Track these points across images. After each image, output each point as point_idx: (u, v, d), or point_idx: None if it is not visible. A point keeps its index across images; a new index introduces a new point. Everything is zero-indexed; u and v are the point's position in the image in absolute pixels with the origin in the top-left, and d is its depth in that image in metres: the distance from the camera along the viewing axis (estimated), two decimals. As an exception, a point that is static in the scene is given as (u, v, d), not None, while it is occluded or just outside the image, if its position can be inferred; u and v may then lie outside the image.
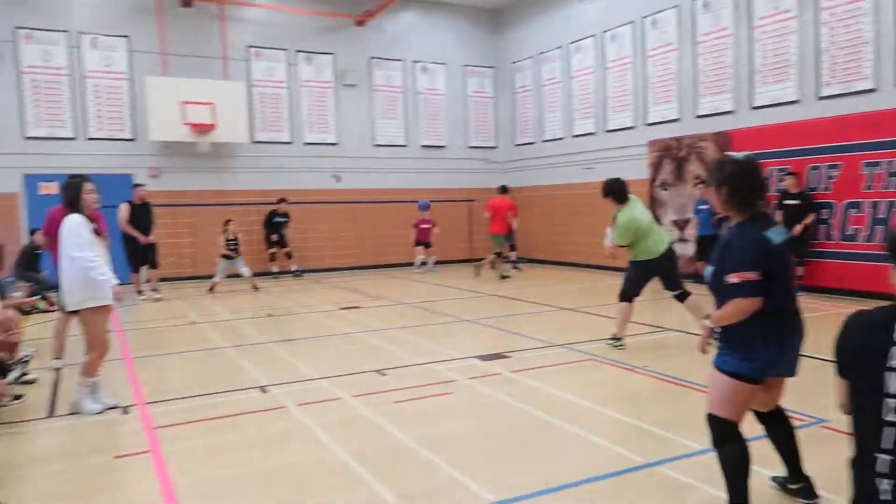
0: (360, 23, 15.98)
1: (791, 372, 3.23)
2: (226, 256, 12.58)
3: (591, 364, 6.28)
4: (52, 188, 12.99)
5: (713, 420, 3.17)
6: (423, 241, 15.43)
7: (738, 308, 2.94)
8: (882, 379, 2.16)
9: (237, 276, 12.86)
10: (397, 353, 6.86)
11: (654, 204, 13.30)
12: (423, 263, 15.42)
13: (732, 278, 2.91)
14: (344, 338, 7.90)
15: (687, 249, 12.60)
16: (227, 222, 12.82)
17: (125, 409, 5.14)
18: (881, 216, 9.53)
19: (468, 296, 11.45)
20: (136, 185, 12.20)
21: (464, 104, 17.54)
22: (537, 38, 16.49)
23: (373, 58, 16.29)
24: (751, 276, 2.87)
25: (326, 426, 4.60)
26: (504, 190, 14.54)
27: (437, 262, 16.03)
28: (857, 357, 2.32)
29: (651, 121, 13.44)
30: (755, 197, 3.04)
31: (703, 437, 4.16)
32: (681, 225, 12.78)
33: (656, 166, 13.24)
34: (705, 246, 11.87)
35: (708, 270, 3.14)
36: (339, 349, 7.32)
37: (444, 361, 6.44)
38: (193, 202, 14.47)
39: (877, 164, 9.59)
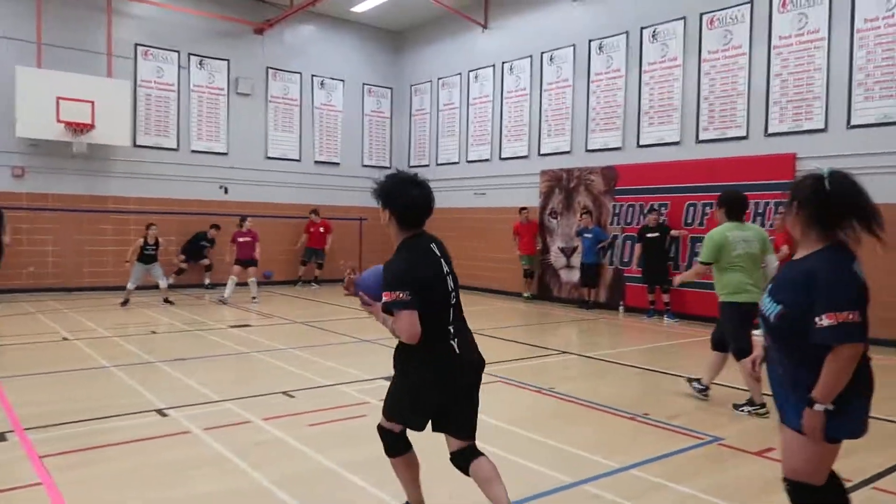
0: (258, 31, 15.55)
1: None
2: (142, 260, 11.56)
3: (498, 386, 6.38)
4: None
5: (807, 490, 2.58)
6: (244, 258, 12.75)
7: (846, 360, 2.36)
8: None
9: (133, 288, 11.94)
10: (302, 374, 6.64)
11: (543, 231, 13.83)
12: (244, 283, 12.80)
13: (828, 320, 2.34)
14: (242, 357, 7.54)
15: (572, 276, 13.19)
16: (148, 226, 11.78)
17: (0, 437, 4.60)
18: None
19: (363, 315, 11.27)
20: None
21: (360, 122, 17.45)
22: (438, 62, 16.78)
23: (270, 68, 15.87)
24: (853, 316, 2.33)
25: (240, 452, 4.36)
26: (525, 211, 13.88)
27: (326, 282, 15.77)
28: None
29: (544, 151, 14.01)
30: (840, 218, 2.49)
31: (617, 456, 4.38)
32: (567, 252, 13.37)
33: (547, 195, 13.80)
34: (589, 273, 12.53)
35: (772, 309, 2.54)
36: (240, 369, 6.98)
37: (353, 383, 6.31)
38: (61, 206, 13.31)
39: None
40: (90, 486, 3.80)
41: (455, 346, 3.22)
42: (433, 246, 3.28)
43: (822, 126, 9.87)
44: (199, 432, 4.75)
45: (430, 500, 3.47)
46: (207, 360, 7.42)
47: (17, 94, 12.32)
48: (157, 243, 11.75)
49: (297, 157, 16.37)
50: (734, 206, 5.66)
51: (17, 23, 12.75)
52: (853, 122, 9.55)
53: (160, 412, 5.23)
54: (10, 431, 4.70)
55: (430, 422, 3.31)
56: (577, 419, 5.38)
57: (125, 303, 11.48)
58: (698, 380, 6.01)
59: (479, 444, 4.57)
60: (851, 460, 4.40)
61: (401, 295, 2.97)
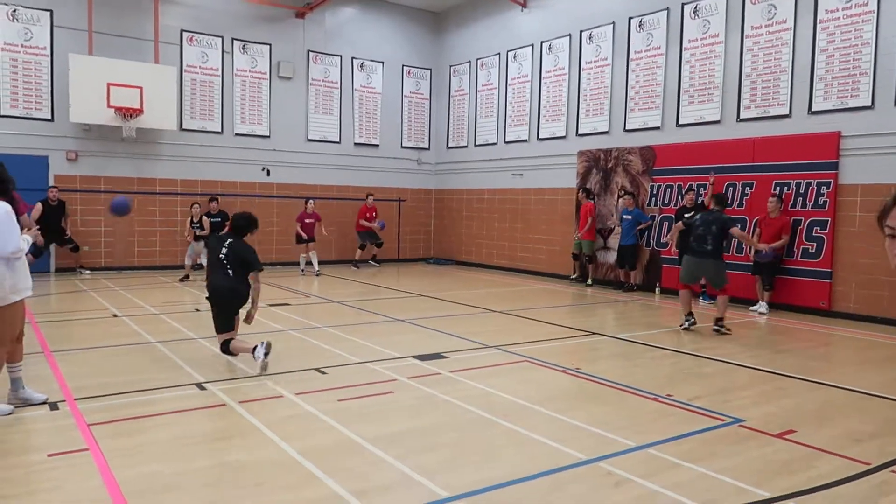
0: (300, 15, 15.77)
1: None
2: (197, 238, 12.47)
3: (526, 365, 6.49)
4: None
5: None
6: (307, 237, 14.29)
7: None
8: None
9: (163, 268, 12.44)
10: (335, 352, 6.87)
11: (580, 212, 13.76)
12: (308, 263, 14.51)
13: None
14: (278, 335, 7.82)
15: (609, 258, 13.13)
16: (192, 205, 12.88)
17: (53, 406, 4.94)
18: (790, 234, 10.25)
19: (399, 296, 11.53)
20: (51, 187, 12.62)
21: (399, 104, 17.58)
22: (476, 43, 16.74)
23: (311, 51, 16.10)
24: None
25: (272, 423, 4.59)
26: (588, 194, 13.40)
27: (368, 261, 16.09)
28: None
29: (582, 132, 13.91)
30: None
31: (636, 435, 4.46)
32: (604, 234, 13.30)
33: (584, 176, 13.72)
34: (626, 255, 12.45)
35: None
36: (275, 346, 7.23)
37: (383, 361, 6.51)
38: (112, 189, 13.86)
39: (787, 184, 10.32)
40: (132, 452, 4.08)
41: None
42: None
43: (868, 103, 9.57)
44: (234, 405, 5.00)
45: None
46: (246, 336, 7.70)
47: (70, 80, 12.84)
48: (200, 221, 12.50)
49: (338, 140, 16.62)
50: None
51: (70, 12, 13.24)
52: (902, 99, 9.23)
53: (199, 386, 5.52)
54: (63, 401, 5.03)
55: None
56: (599, 399, 5.46)
57: (186, 278, 12.47)
58: None
59: (498, 419, 4.73)
60: (872, 444, 4.39)
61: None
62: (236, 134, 15.24)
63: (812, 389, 5.81)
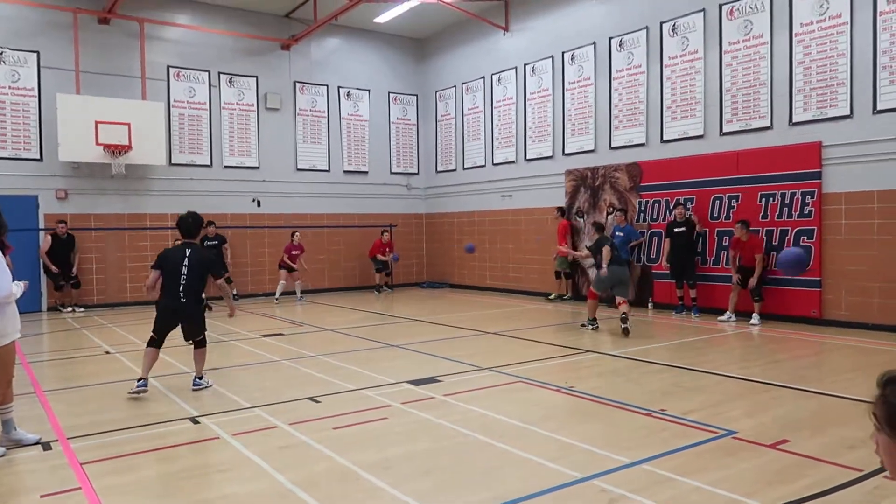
0: (285, 47, 15.96)
1: None
2: None
3: (519, 386, 6.50)
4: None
5: None
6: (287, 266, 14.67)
7: None
8: None
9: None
10: (328, 380, 6.86)
11: (571, 231, 13.86)
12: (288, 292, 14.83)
13: None
14: (272, 365, 7.81)
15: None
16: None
17: (46, 446, 4.91)
18: (775, 243, 10.34)
19: (394, 321, 11.53)
20: (59, 223, 12.96)
21: (387, 130, 17.74)
22: (461, 67, 16.96)
23: (297, 82, 16.27)
24: None
25: (266, 455, 4.58)
26: (563, 212, 13.87)
27: (360, 288, 16.10)
28: None
29: (568, 151, 14.06)
30: None
31: (629, 451, 4.47)
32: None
33: (573, 195, 13.83)
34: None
35: None
36: (269, 377, 7.24)
37: (377, 387, 6.50)
38: (102, 226, 13.89)
39: (772, 195, 10.43)
40: (125, 489, 4.06)
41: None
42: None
43: (847, 112, 9.73)
44: (228, 438, 4.99)
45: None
46: (240, 368, 7.71)
47: (58, 120, 12.92)
48: None
49: (327, 168, 16.72)
50: None
51: (56, 53, 13.38)
52: (879, 107, 9.39)
53: (193, 420, 5.50)
54: (55, 440, 5.01)
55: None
56: (592, 416, 5.47)
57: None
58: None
59: (493, 441, 4.75)
60: (865, 451, 4.41)
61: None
62: (225, 166, 15.32)
63: (805, 398, 5.83)
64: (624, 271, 9.85)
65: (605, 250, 9.70)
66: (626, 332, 9.25)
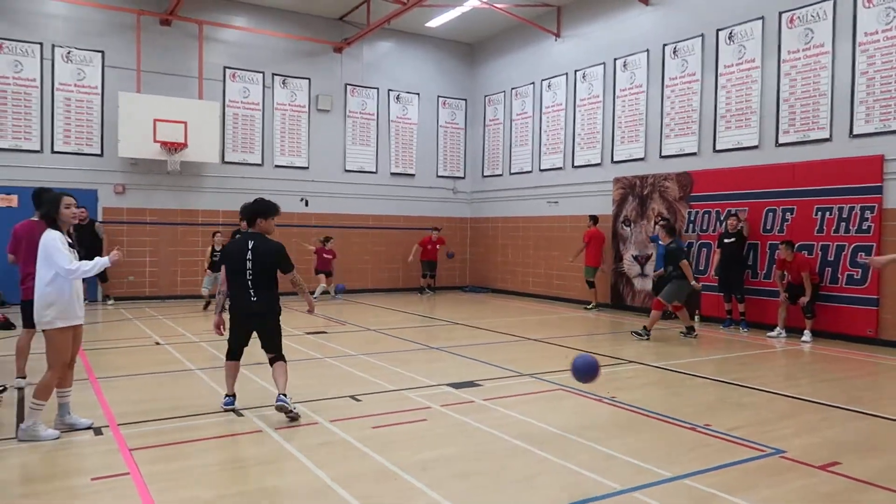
0: (337, 49, 16.20)
1: None
2: (212, 268, 12.48)
3: (560, 394, 6.44)
4: (12, 201, 12.81)
5: None
6: (323, 269, 14.76)
7: None
8: None
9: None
10: (369, 379, 6.92)
11: (617, 239, 13.68)
12: (325, 292, 14.86)
13: None
14: (314, 362, 7.92)
15: (646, 285, 12.97)
16: (214, 234, 12.87)
17: (97, 431, 5.08)
18: (830, 258, 10.01)
19: (435, 324, 11.56)
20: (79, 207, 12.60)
21: (435, 134, 17.82)
22: (510, 73, 16.93)
23: (348, 84, 16.49)
24: None
25: (306, 450, 4.64)
26: (595, 221, 13.78)
27: (404, 290, 16.17)
28: None
29: (617, 158, 13.88)
30: None
31: (671, 466, 4.38)
32: (641, 261, 13.17)
33: (620, 203, 13.65)
34: (661, 283, 12.25)
35: None
36: (311, 374, 7.33)
37: (417, 388, 6.53)
38: (157, 220, 14.32)
39: (829, 209, 10.11)
40: (171, 476, 4.17)
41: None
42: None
43: (912, 126, 9.36)
44: (270, 432, 5.08)
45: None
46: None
47: (119, 117, 13.38)
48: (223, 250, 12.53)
49: (374, 170, 16.89)
50: None
51: (120, 53, 13.86)
52: (947, 121, 9.01)
53: (237, 412, 5.61)
54: (106, 426, 5.18)
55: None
56: (635, 428, 5.38)
57: (207, 305, 12.48)
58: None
59: (532, 448, 4.72)
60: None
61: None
62: (276, 166, 15.62)
63: (857, 419, 5.63)
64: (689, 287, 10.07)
65: (684, 265, 9.81)
66: (695, 336, 10.05)
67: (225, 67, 15.02)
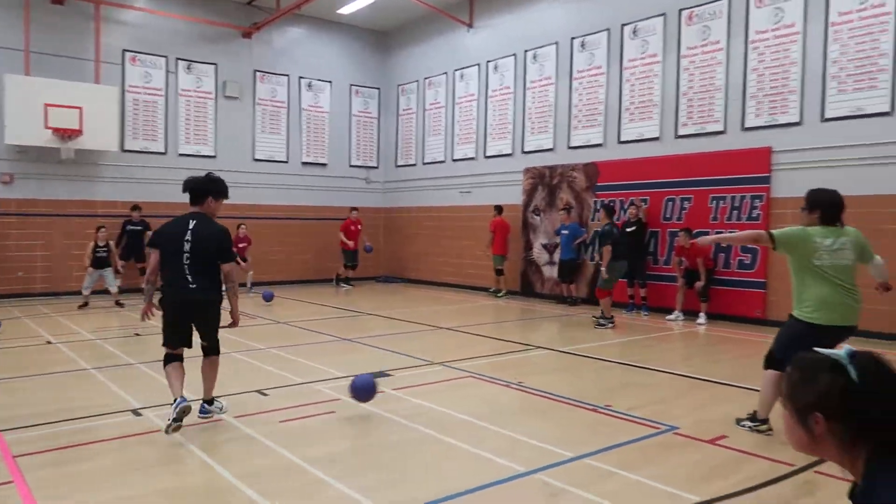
0: (246, 34, 15.69)
1: None
2: (94, 265, 11.80)
3: (470, 381, 6.53)
4: None
5: None
6: (239, 257, 14.05)
7: None
8: None
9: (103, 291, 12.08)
10: (278, 373, 6.79)
11: (527, 228, 13.98)
12: (242, 284, 14.13)
13: None
14: (221, 358, 7.67)
15: (554, 272, 13.33)
16: (98, 228, 12.11)
17: (-22, 436, 4.74)
18: (724, 245, 10.59)
19: (348, 315, 11.47)
20: None
21: (347, 123, 17.60)
22: (424, 62, 16.91)
23: (258, 71, 16.01)
24: None
25: (209, 449, 4.51)
26: (500, 210, 14.03)
27: (316, 281, 15.94)
28: None
29: (527, 149, 14.15)
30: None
31: (574, 446, 4.53)
32: (550, 249, 13.52)
33: (530, 193, 13.94)
34: (567, 269, 12.69)
35: None
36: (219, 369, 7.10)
37: (327, 381, 6.46)
38: (49, 212, 13.46)
39: (722, 198, 10.68)
40: (59, 483, 3.95)
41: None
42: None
43: (797, 119, 10.00)
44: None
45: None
46: (187, 360, 7.54)
47: (5, 101, 12.46)
48: (107, 246, 11.99)
49: (285, 159, 16.51)
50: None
51: (5, 32, 12.89)
52: (827, 115, 9.68)
53: (135, 412, 5.38)
54: (-12, 432, 4.84)
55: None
56: (540, 412, 5.53)
57: (83, 305, 11.72)
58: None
59: (441, 435, 4.77)
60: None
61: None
62: (181, 154, 15.00)
63: (745, 396, 5.98)
64: (625, 265, 10.43)
65: (605, 250, 10.01)
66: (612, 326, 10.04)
67: (124, 50, 14.25)
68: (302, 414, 5.33)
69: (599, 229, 10.47)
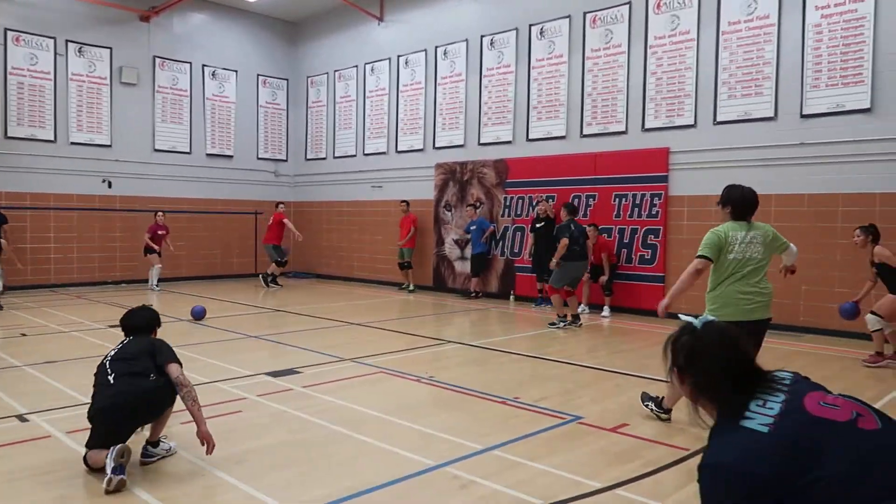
0: (144, 18, 14.91)
1: None
2: None
3: (381, 376, 6.50)
4: None
5: None
6: (157, 249, 13.65)
7: None
8: None
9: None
10: (181, 372, 6.50)
11: (438, 224, 14.07)
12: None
13: None
14: (119, 357, 7.28)
15: (466, 267, 13.49)
16: None
17: None
18: (626, 241, 11.05)
19: (256, 312, 11.16)
20: None
21: (255, 114, 17.09)
22: (334, 54, 16.66)
23: (157, 57, 15.26)
24: None
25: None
26: (407, 205, 14.22)
27: (222, 277, 15.41)
28: None
29: (439, 144, 14.22)
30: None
31: (483, 438, 4.60)
32: (461, 244, 13.66)
33: (442, 188, 14.03)
34: (477, 264, 12.89)
35: None
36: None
37: (233, 379, 6.26)
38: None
39: (625, 196, 11.13)
40: (-68, 497, 3.63)
41: None
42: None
43: (692, 122, 10.54)
44: (60, 436, 4.60)
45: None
46: (80, 361, 7.11)
47: None
48: None
49: (188, 150, 15.85)
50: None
51: None
52: (719, 119, 10.26)
53: (20, 417, 5.02)
54: None
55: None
56: (450, 406, 5.58)
57: None
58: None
59: (350, 432, 4.70)
60: (693, 432, 4.78)
61: None
62: (72, 143, 14.10)
63: (645, 385, 6.26)
64: (584, 266, 9.88)
65: (562, 243, 9.39)
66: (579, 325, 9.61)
67: (6, 29, 13.22)
68: (207, 415, 5.10)
69: (559, 226, 9.99)
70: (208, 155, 16.19)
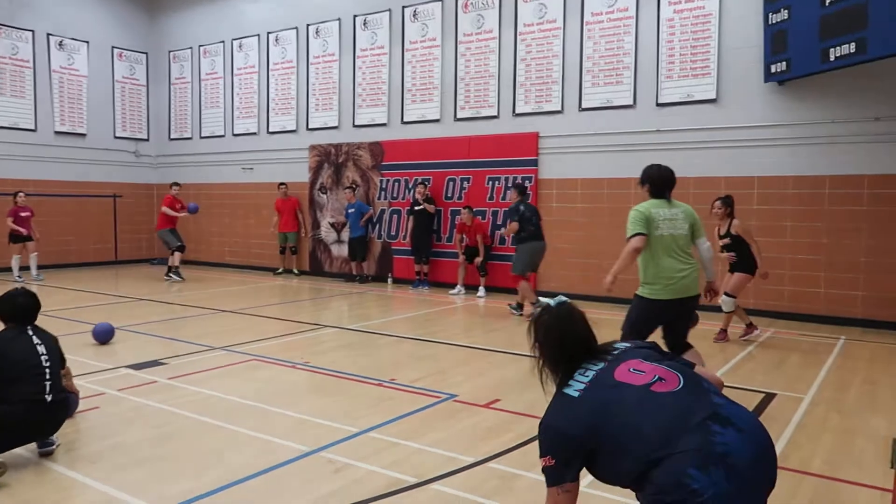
0: (-27, -21, 13.38)
1: None
2: None
3: (254, 364, 6.31)
4: None
5: None
6: (25, 235, 12.59)
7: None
8: None
9: None
10: (29, 369, 5.98)
11: (314, 206, 13.79)
12: (25, 268, 12.76)
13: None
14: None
15: (343, 251, 13.35)
16: None
17: None
18: (499, 223, 11.37)
19: (117, 301, 10.46)
20: None
21: (111, 90, 15.88)
22: (198, 29, 15.78)
23: (-9, 23, 13.77)
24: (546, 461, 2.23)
25: (-66, 461, 3.84)
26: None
27: (78, 265, 14.30)
28: None
29: (312, 126, 13.90)
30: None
31: (358, 421, 4.60)
32: (337, 227, 13.48)
33: (316, 170, 13.75)
34: (355, 247, 12.81)
35: None
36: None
37: (90, 374, 5.83)
38: None
39: (497, 178, 11.42)
40: None
41: None
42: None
43: (559, 108, 10.96)
44: None
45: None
46: None
47: None
48: None
49: (33, 127, 14.47)
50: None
51: None
52: (584, 105, 10.73)
53: None
54: None
55: None
56: (326, 390, 5.52)
57: None
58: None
59: (220, 422, 4.54)
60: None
61: None
62: None
63: (516, 361, 6.50)
64: (544, 246, 9.23)
65: (511, 226, 8.99)
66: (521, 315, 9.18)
67: None
68: (57, 413, 4.74)
69: (509, 207, 9.52)
70: (57, 133, 14.86)
